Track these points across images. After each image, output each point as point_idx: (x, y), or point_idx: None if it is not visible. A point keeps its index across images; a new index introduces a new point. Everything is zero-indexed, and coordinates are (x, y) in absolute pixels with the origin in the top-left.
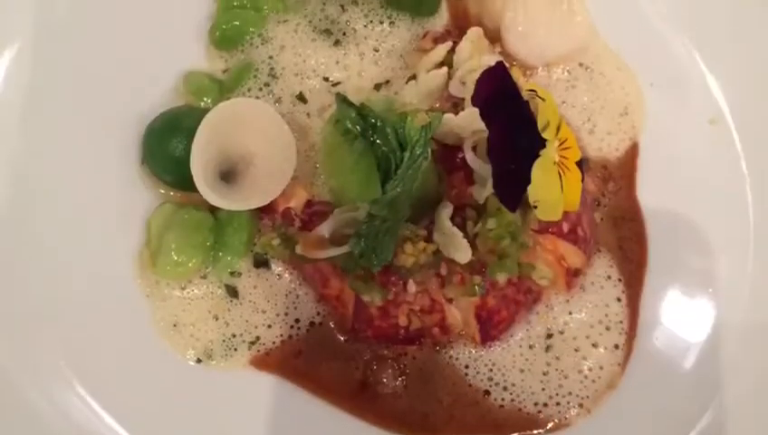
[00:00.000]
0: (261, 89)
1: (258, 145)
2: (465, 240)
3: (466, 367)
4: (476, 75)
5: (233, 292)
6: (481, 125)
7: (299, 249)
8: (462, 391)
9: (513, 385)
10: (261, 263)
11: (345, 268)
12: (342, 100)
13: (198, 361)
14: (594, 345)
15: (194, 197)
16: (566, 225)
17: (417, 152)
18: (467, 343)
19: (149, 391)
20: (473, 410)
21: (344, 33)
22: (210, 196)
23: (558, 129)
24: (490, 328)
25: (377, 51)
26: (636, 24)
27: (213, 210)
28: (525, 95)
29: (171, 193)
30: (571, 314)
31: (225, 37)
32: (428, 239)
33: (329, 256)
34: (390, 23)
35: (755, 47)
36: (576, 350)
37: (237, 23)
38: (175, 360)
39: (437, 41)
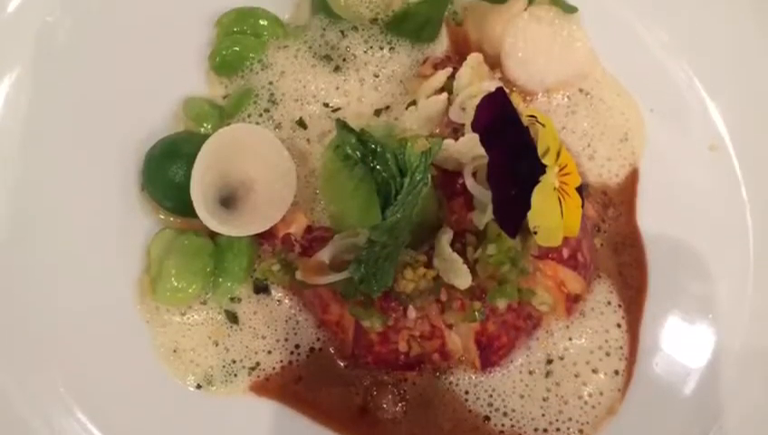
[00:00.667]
0: (261, 115)
1: (258, 171)
2: (465, 266)
3: (466, 393)
4: (476, 101)
5: (233, 317)
6: (481, 151)
7: (299, 275)
8: (462, 416)
9: (514, 411)
10: (261, 289)
11: (345, 294)
12: (342, 125)
13: (198, 386)
14: (594, 371)
15: (194, 222)
16: (566, 251)
17: (417, 178)
18: (467, 368)
19: (149, 417)
20: None
21: (344, 59)
22: (210, 222)
23: (558, 154)
24: (490, 354)
25: (377, 76)
26: (636, 51)
27: (213, 236)
28: (525, 121)
29: (171, 219)
30: (571, 339)
31: (225, 63)
32: (428, 265)
33: (329, 282)
34: (390, 48)
35: (755, 74)
36: (576, 375)
37: (237, 48)
38: (175, 386)
39: (437, 67)
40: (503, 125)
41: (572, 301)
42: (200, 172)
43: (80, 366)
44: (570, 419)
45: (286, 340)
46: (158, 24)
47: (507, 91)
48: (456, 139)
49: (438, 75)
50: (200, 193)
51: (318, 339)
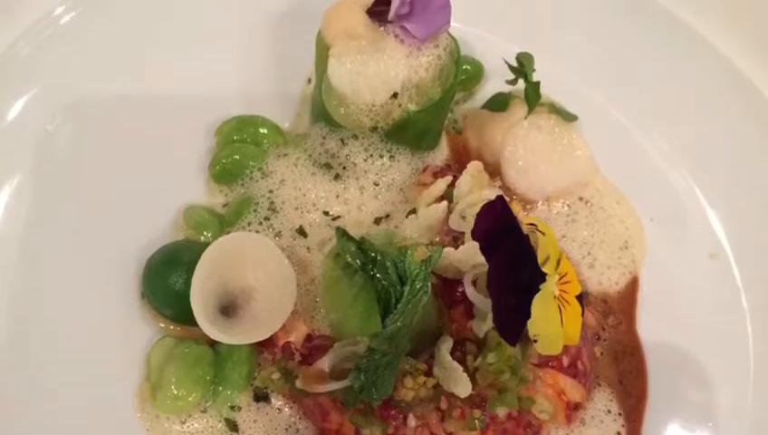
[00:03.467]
0: (261, 223)
1: (258, 279)
2: (465, 374)
3: None
4: (476, 209)
5: (233, 426)
6: (481, 259)
7: (299, 383)
8: None
9: None
10: (261, 397)
11: (345, 402)
12: (342, 234)
13: None
14: None
15: (194, 331)
16: (566, 359)
17: (418, 286)
18: None
19: None
20: None
21: (344, 168)
22: (210, 330)
23: (558, 263)
24: None
25: (377, 185)
26: (636, 159)
27: (213, 344)
28: (525, 229)
29: (171, 327)
30: None
31: (224, 171)
32: (428, 373)
33: (329, 390)
34: (390, 157)
35: (755, 182)
36: None
37: (237, 157)
38: None
39: (437, 175)
40: (502, 233)
41: (572, 409)
42: (200, 280)
43: None
44: None
45: None
46: (158, 133)
47: (507, 199)
48: (457, 247)
49: (438, 183)
50: (200, 301)
51: None
